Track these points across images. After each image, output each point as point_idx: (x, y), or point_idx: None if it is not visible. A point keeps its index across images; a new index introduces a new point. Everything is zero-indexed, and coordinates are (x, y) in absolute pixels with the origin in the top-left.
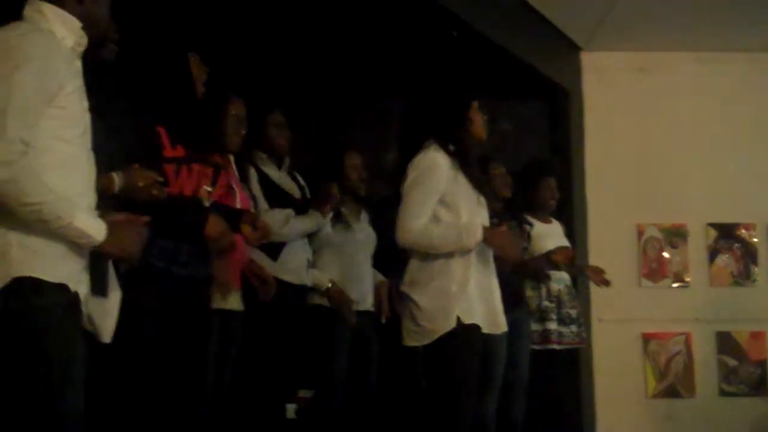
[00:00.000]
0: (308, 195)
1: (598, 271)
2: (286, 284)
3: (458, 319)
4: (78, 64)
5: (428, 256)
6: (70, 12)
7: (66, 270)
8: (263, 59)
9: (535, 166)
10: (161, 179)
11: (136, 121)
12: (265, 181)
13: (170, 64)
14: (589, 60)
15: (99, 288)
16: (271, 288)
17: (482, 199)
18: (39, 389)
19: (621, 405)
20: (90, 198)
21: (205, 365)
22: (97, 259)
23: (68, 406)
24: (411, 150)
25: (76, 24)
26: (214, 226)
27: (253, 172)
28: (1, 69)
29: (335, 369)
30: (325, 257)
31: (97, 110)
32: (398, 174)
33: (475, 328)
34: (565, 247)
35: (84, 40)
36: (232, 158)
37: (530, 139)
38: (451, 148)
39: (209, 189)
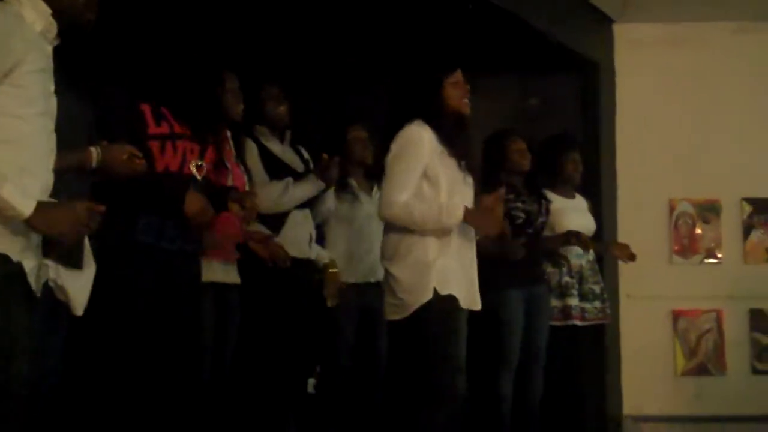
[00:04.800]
0: (312, 168)
1: (624, 247)
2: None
3: (435, 290)
4: (48, 49)
5: (406, 229)
6: None
7: (7, 242)
8: (263, 32)
9: (557, 140)
10: (140, 154)
11: (117, 99)
12: (266, 154)
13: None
14: (621, 32)
15: (72, 261)
16: (281, 252)
17: (469, 179)
18: None
19: (649, 383)
20: (43, 179)
21: (200, 337)
22: None
23: (6, 375)
24: (398, 129)
25: (47, 10)
26: (192, 202)
27: (252, 146)
28: None
29: (341, 343)
30: (332, 230)
31: (75, 89)
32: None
33: (452, 299)
34: (576, 233)
35: (53, 27)
36: (229, 134)
37: (560, 114)
38: (432, 124)
39: (199, 163)
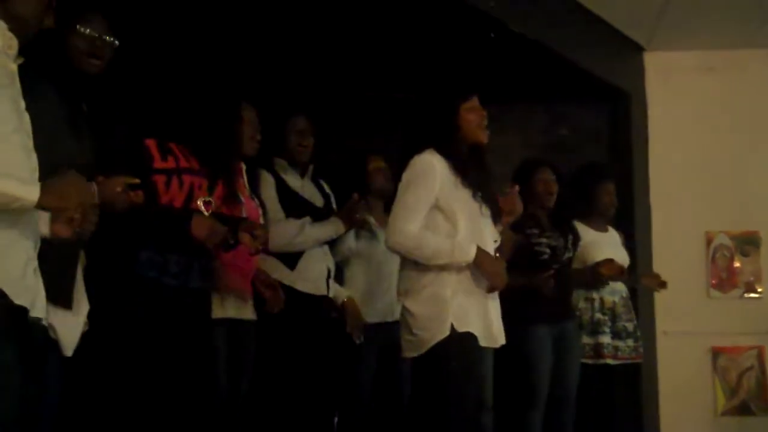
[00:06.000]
0: (333, 203)
1: (654, 277)
2: (303, 295)
3: (452, 326)
4: (11, 66)
5: (424, 264)
6: None
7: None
8: (288, 65)
9: (591, 171)
10: (136, 182)
11: (119, 135)
12: (283, 189)
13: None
14: (652, 60)
15: (62, 299)
16: (279, 298)
17: (486, 210)
18: None
19: (687, 424)
20: None
21: (211, 375)
22: (62, 270)
23: None
24: (411, 157)
25: (3, 26)
26: (199, 224)
27: (269, 179)
28: None
29: (361, 380)
30: (352, 268)
31: (75, 129)
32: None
33: (470, 337)
34: (609, 260)
35: (14, 42)
36: (243, 167)
37: (591, 144)
38: (445, 153)
39: (207, 199)
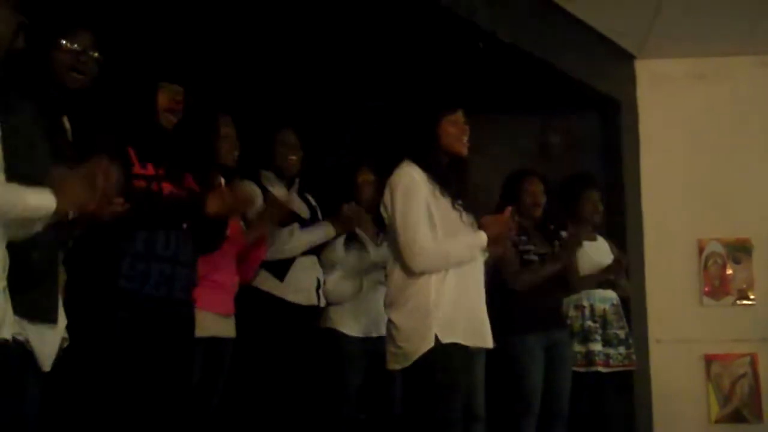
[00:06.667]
0: (320, 216)
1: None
2: (293, 306)
3: (436, 337)
4: None
5: (407, 275)
6: None
7: None
8: (275, 78)
9: (576, 179)
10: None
11: (101, 141)
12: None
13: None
14: (643, 68)
15: (45, 315)
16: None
17: (467, 218)
18: None
19: (681, 431)
20: None
21: (185, 391)
22: (43, 286)
23: None
24: (390, 170)
25: None
26: (213, 201)
27: (255, 191)
28: None
29: (346, 393)
30: (337, 280)
31: (53, 137)
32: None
33: (456, 347)
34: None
35: None
36: (222, 180)
37: (582, 153)
38: (423, 165)
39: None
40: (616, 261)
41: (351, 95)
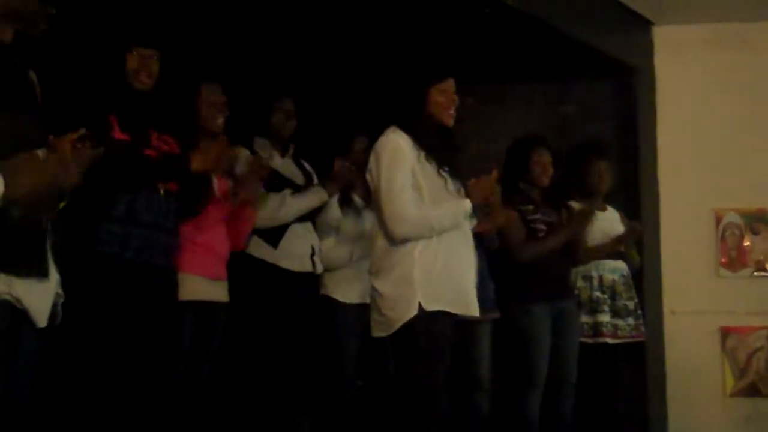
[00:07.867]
0: (315, 181)
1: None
2: (288, 272)
3: (420, 305)
4: None
5: (391, 243)
6: None
7: None
8: (272, 46)
9: (584, 148)
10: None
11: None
12: None
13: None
14: (661, 35)
15: (36, 270)
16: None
17: (452, 185)
18: None
19: (695, 404)
20: None
21: (172, 358)
22: (32, 241)
23: None
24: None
25: None
26: (198, 158)
27: (247, 157)
28: None
29: (344, 359)
30: (332, 245)
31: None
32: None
33: (440, 315)
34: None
35: None
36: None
37: (598, 121)
38: (409, 131)
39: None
40: (630, 229)
41: (350, 63)
